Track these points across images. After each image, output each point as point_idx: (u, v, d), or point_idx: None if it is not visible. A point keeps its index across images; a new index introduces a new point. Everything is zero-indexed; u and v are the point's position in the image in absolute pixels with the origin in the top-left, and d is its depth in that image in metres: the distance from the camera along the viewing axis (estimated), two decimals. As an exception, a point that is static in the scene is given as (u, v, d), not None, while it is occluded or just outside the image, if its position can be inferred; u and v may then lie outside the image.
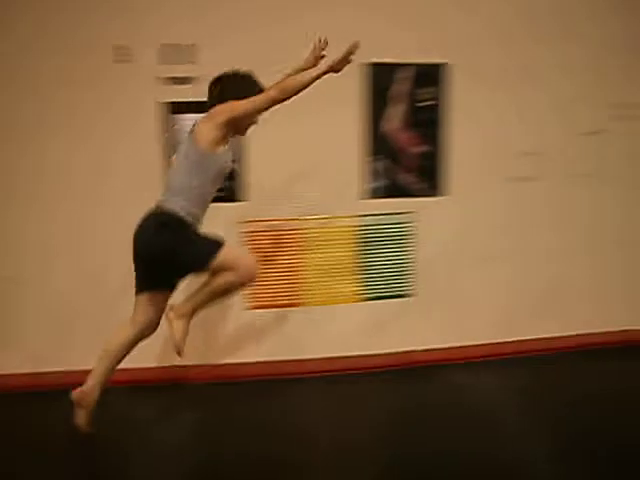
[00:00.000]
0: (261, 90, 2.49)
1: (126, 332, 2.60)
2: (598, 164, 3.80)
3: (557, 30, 3.63)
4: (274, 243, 3.51)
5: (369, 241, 3.58)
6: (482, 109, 3.57)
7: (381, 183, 3.53)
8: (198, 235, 2.44)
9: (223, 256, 2.36)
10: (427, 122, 3.54)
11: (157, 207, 2.46)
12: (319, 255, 3.57)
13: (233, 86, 2.50)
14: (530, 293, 3.81)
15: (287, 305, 3.59)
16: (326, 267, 3.59)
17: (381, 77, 3.43)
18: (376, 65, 3.39)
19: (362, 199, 3.54)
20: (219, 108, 2.44)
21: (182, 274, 2.59)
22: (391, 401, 3.17)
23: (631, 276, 3.96)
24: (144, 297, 2.58)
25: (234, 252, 2.48)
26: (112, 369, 2.62)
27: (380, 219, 3.56)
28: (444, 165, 3.59)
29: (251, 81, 2.54)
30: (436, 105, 3.53)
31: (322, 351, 3.58)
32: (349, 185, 3.52)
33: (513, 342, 3.77)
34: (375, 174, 3.51)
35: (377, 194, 3.54)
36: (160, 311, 2.60)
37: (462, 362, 3.60)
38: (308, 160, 3.40)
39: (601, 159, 3.80)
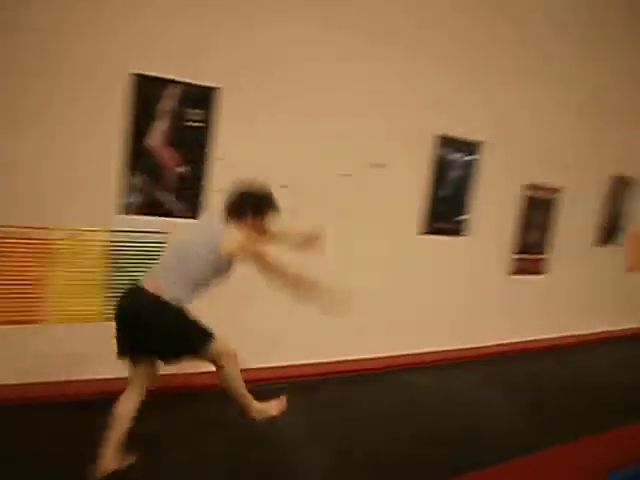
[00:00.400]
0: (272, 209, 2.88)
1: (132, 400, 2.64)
2: (350, 201, 4.12)
3: (334, 70, 3.89)
4: (10, 252, 3.15)
5: (121, 258, 3.39)
6: (250, 137, 3.62)
7: (139, 199, 3.37)
8: (194, 322, 2.60)
9: (216, 347, 2.61)
10: (193, 143, 3.49)
11: (163, 291, 2.52)
12: (66, 269, 3.29)
13: (255, 204, 2.80)
14: (294, 321, 3.88)
15: (26, 322, 3.22)
16: (73, 282, 3.32)
17: (148, 91, 3.30)
18: (143, 77, 3.26)
19: (118, 214, 3.35)
20: (251, 241, 2.69)
21: (177, 355, 2.65)
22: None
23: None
24: (138, 369, 2.66)
25: (223, 343, 2.65)
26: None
27: (134, 236, 3.39)
28: (206, 188, 3.55)
29: (270, 202, 2.89)
30: (204, 127, 3.50)
31: (66, 373, 3.29)
32: (105, 197, 3.30)
33: (279, 367, 3.85)
34: (133, 189, 3.35)
35: (133, 210, 3.37)
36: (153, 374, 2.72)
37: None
38: (62, 167, 3.14)
39: (353, 197, 4.13)
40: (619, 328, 6.67)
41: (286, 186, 3.84)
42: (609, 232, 6.60)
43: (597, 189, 6.34)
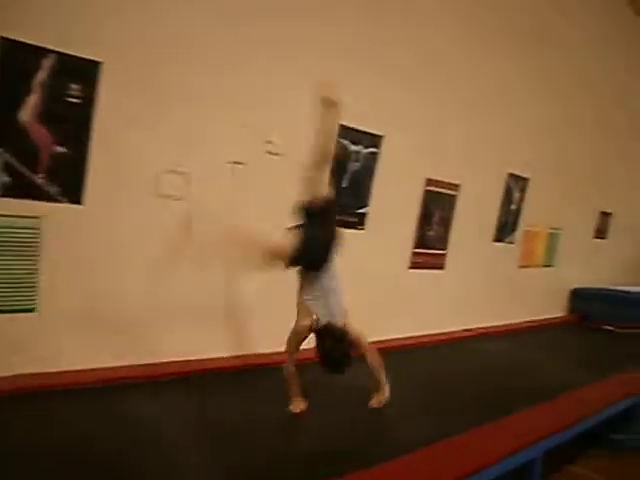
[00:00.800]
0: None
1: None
2: (246, 190, 3.95)
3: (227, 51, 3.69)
4: None
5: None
6: (135, 118, 3.38)
7: (7, 179, 3.04)
8: None
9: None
10: (72, 121, 3.20)
11: None
12: None
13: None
14: (163, 311, 3.67)
15: None
16: None
17: (21, 59, 2.98)
18: (14, 43, 2.93)
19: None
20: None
21: None
22: None
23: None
24: None
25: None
26: None
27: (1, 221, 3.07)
28: (84, 171, 3.27)
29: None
30: (85, 104, 3.22)
31: None
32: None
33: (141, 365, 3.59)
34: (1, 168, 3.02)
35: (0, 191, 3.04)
36: None
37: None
38: None
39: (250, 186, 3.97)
40: (513, 322, 6.93)
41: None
42: (505, 229, 6.83)
43: (496, 187, 6.53)
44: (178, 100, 3.55)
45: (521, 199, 6.91)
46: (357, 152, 4.61)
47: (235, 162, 3.82)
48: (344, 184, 4.60)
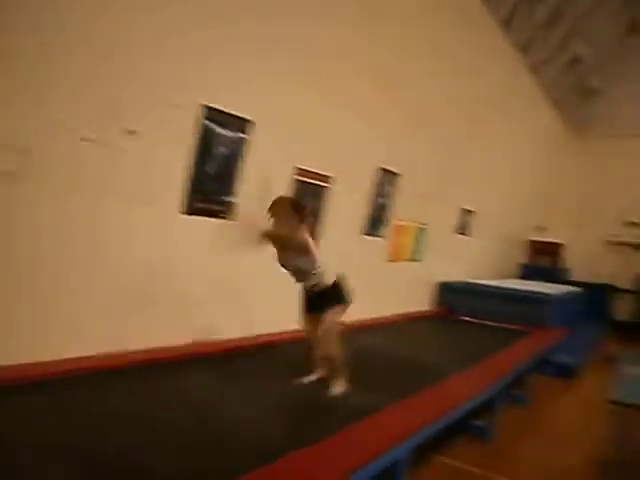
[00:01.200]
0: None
1: None
2: (99, 171, 3.54)
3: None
4: None
5: None
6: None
7: None
8: None
9: None
10: None
11: None
12: None
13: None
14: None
15: None
16: None
17: None
18: None
19: None
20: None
21: None
22: None
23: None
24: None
25: None
26: None
27: None
28: None
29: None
30: None
31: None
32: None
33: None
34: None
35: None
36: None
37: None
38: None
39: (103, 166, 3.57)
40: (382, 315, 6.97)
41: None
42: (375, 223, 6.85)
43: (367, 181, 6.52)
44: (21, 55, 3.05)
45: (391, 194, 6.98)
46: (224, 136, 4.31)
47: (87, 139, 3.38)
48: (210, 170, 4.28)
